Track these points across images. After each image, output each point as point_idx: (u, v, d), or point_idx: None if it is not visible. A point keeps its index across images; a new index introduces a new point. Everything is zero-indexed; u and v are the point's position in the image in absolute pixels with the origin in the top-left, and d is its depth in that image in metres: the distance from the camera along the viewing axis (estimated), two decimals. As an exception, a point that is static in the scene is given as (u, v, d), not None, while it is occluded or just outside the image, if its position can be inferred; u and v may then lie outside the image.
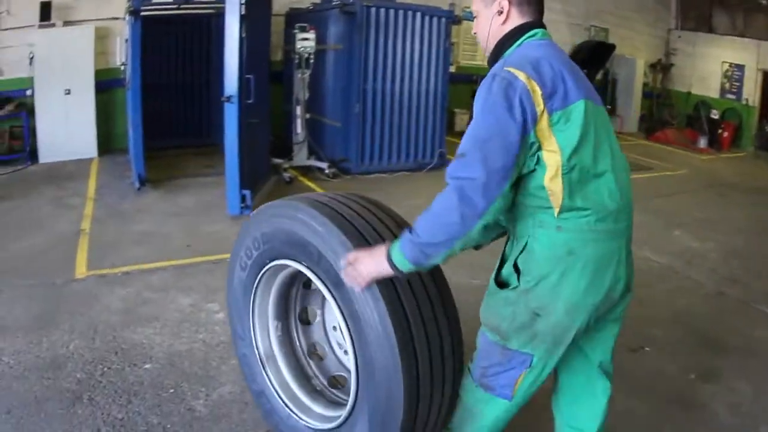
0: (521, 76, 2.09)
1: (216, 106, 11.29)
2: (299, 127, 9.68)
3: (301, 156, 9.70)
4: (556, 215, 2.18)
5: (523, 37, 2.31)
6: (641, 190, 10.60)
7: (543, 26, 2.36)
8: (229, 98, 7.41)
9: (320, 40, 9.82)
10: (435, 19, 10.59)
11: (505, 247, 2.46)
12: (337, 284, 2.56)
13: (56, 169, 10.73)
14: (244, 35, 7.55)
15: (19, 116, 11.06)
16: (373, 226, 2.66)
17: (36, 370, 4.39)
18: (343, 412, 2.80)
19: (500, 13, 2.32)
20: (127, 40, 9.01)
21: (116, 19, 11.52)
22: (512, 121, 2.06)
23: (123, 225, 7.73)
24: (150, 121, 9.12)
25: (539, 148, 2.13)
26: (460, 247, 2.17)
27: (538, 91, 2.08)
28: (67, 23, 11.32)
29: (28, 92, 11.21)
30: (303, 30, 9.25)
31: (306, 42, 9.43)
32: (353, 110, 9.87)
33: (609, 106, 12.95)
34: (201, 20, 11.72)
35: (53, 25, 11.11)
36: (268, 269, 3.07)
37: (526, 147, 2.10)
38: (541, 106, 2.09)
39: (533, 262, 2.24)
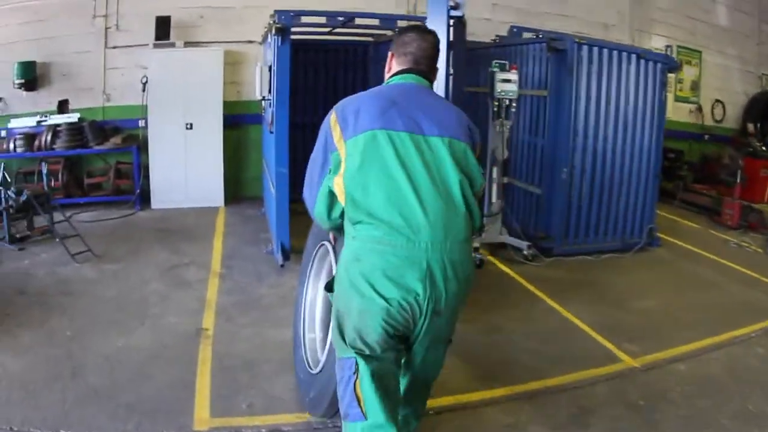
0: (332, 114, 2.64)
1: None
2: (495, 195, 6.87)
3: (493, 231, 6.95)
4: (352, 226, 2.51)
5: (386, 82, 2.86)
6: None
7: (415, 72, 2.79)
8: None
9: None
10: (650, 64, 7.87)
11: None
12: None
13: (172, 219, 8.44)
14: (452, 72, 4.84)
15: (128, 151, 8.60)
16: None
17: None
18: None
19: (388, 64, 2.91)
20: (270, 68, 6.39)
21: (251, 42, 9.15)
22: (321, 147, 2.67)
23: (262, 326, 5.21)
24: (291, 167, 6.55)
25: (335, 172, 2.57)
26: (326, 226, 2.86)
27: (338, 126, 2.57)
28: (189, 44, 9.13)
29: (141, 123, 8.82)
30: (503, 69, 6.66)
31: (508, 85, 6.86)
32: (559, 174, 7.31)
33: None
34: (356, 49, 9.23)
35: (172, 45, 8.85)
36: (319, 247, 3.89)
37: (330, 166, 2.61)
38: (338, 135, 2.55)
39: (339, 266, 2.61)
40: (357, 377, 2.49)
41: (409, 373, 2.80)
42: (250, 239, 7.48)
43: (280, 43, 6.07)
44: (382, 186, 2.45)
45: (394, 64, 2.87)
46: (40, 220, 7.05)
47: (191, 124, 8.75)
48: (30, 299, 5.48)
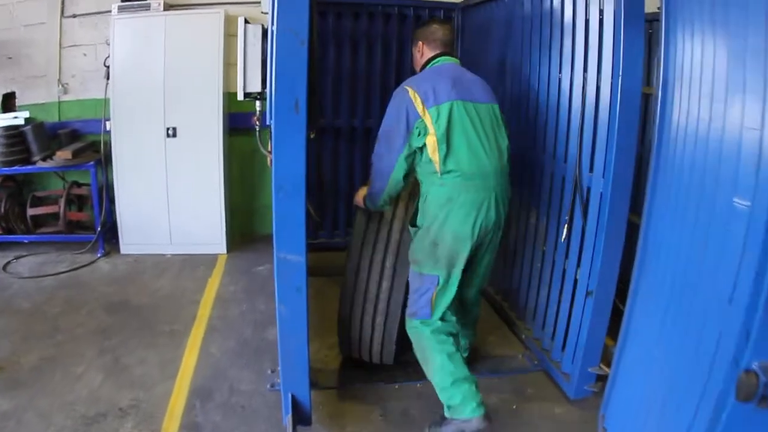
0: (409, 90, 2.97)
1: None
2: None
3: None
4: (439, 176, 2.94)
5: (429, 65, 3.21)
6: None
7: (448, 54, 3.22)
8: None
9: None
10: None
11: (416, 202, 3.18)
12: None
13: (138, 281, 5.12)
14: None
15: (85, 168, 5.25)
16: None
17: None
18: None
19: (419, 51, 3.28)
20: (265, 32, 3.48)
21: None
22: (402, 118, 2.93)
23: None
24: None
25: (425, 133, 2.91)
26: (388, 194, 3.11)
27: (419, 98, 2.92)
28: (173, 7, 5.63)
29: (108, 125, 5.34)
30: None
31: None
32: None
33: None
34: (433, 14, 5.42)
35: (146, 7, 5.34)
36: None
37: (412, 132, 2.93)
38: (421, 107, 2.91)
39: (429, 207, 3.00)
40: (436, 289, 3.01)
41: (475, 279, 3.31)
42: (250, 343, 4.05)
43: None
44: (464, 143, 2.92)
45: (426, 50, 3.24)
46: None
47: (174, 129, 5.35)
48: None
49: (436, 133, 2.89)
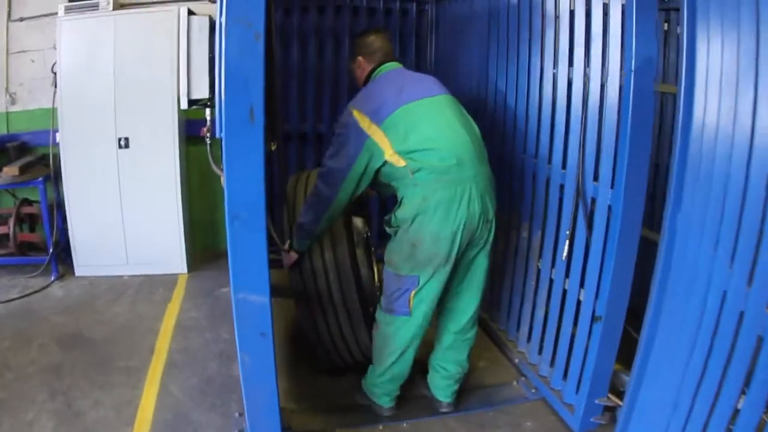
0: (354, 112, 2.84)
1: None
2: None
3: None
4: (411, 176, 2.76)
5: (372, 77, 3.12)
6: None
7: (389, 60, 3.13)
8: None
9: None
10: None
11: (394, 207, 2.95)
12: None
13: (92, 309, 4.55)
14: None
15: (34, 185, 4.74)
16: None
17: None
18: None
19: (359, 67, 3.21)
20: (213, 26, 2.60)
21: (226, -1, 5.02)
22: (353, 139, 2.80)
23: None
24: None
25: (380, 152, 2.78)
26: (327, 220, 2.96)
27: (366, 118, 2.79)
28: (122, 6, 5.13)
29: (58, 137, 4.82)
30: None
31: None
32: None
33: None
34: (406, 8, 5.11)
35: (95, 6, 4.79)
36: None
37: (362, 155, 2.79)
38: (368, 123, 2.78)
39: (405, 210, 2.81)
40: (415, 290, 2.83)
41: (471, 290, 3.04)
42: (215, 380, 3.56)
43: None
44: (428, 140, 2.75)
45: (366, 65, 3.17)
46: None
47: (126, 140, 4.84)
48: None
49: (393, 145, 2.77)
